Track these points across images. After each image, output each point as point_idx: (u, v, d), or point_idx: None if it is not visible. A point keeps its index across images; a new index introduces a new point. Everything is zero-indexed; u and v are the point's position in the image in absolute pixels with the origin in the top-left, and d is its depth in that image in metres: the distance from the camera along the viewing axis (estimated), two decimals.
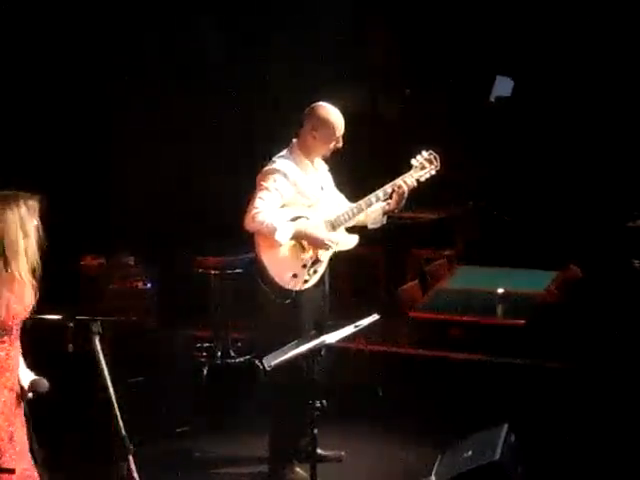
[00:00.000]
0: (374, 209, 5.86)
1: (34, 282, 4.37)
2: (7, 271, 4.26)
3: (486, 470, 5.00)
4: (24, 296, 4.32)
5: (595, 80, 8.84)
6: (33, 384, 4.42)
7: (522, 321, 7.21)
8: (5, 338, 4.28)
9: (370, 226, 5.94)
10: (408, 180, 5.81)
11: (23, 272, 4.31)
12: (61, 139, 8.41)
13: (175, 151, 8.53)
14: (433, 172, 5.90)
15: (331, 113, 5.75)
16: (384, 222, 5.94)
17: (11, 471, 4.21)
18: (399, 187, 5.78)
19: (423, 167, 5.89)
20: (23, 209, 4.36)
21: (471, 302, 7.64)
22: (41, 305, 5.04)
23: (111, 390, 4.49)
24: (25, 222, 4.35)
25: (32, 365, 6.75)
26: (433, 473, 5.35)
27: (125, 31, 8.59)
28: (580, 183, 8.80)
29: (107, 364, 4.56)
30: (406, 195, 5.80)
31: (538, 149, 9.01)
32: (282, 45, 8.77)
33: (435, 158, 5.91)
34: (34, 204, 4.41)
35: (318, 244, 5.70)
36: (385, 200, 5.83)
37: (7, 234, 4.28)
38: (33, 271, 4.37)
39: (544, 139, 8.99)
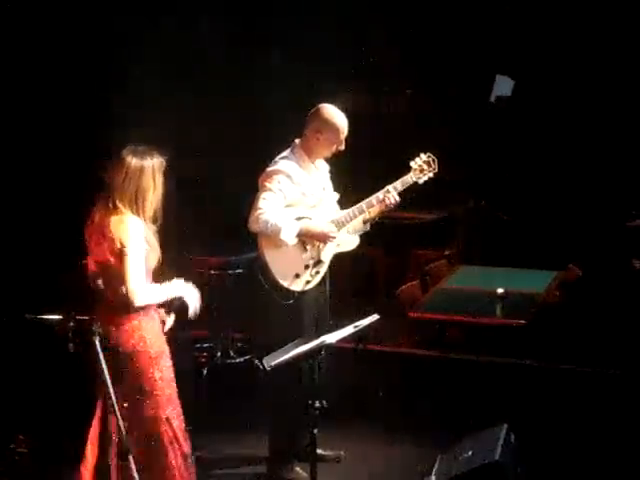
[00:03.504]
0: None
1: (155, 228, 4.82)
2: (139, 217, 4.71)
3: (486, 470, 5.00)
4: (156, 245, 4.81)
5: (595, 80, 8.84)
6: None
7: (522, 321, 7.20)
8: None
9: (352, 234, 5.94)
10: (400, 185, 5.84)
11: (147, 220, 4.74)
12: (61, 139, 8.40)
13: (175, 151, 8.51)
14: (431, 175, 5.94)
15: (336, 115, 5.76)
16: (367, 229, 5.95)
17: None
18: (386, 198, 5.79)
19: (422, 169, 5.92)
20: (157, 162, 4.79)
21: (471, 302, 7.63)
22: (41, 305, 5.06)
23: (111, 390, 4.50)
24: (156, 174, 4.77)
25: (32, 365, 6.79)
26: (433, 473, 5.36)
27: (126, 31, 8.58)
28: (580, 183, 8.80)
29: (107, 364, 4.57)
30: (392, 206, 5.82)
31: (538, 149, 9.01)
32: (282, 45, 8.77)
33: (433, 161, 5.95)
34: (163, 161, 4.82)
35: (323, 238, 5.71)
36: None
37: (141, 181, 4.71)
38: (153, 219, 4.79)
39: (544, 139, 8.98)
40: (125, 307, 4.71)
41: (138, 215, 4.73)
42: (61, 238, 7.97)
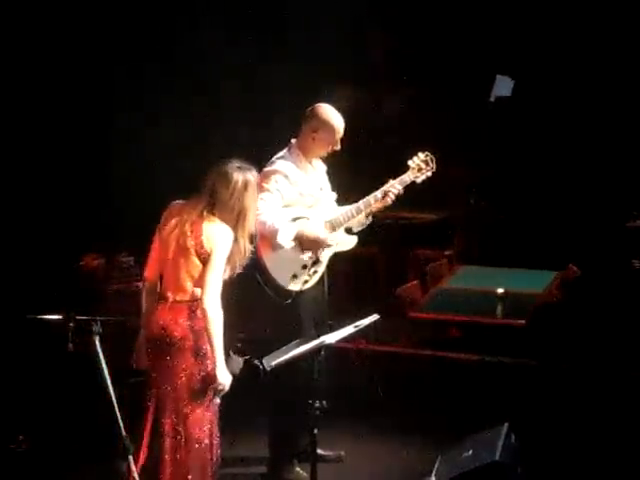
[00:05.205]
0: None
1: (251, 248, 4.94)
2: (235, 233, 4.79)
3: (486, 470, 5.00)
4: (237, 262, 4.87)
5: (595, 80, 8.83)
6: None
7: (522, 321, 7.21)
8: None
9: (355, 229, 5.94)
10: (398, 186, 5.84)
11: (243, 239, 4.83)
12: (62, 139, 8.40)
13: (176, 151, 8.52)
14: (429, 174, 5.94)
15: (332, 115, 5.75)
16: (368, 223, 5.96)
17: None
18: (388, 193, 5.79)
19: (420, 169, 5.92)
20: (257, 179, 4.91)
21: (471, 302, 7.63)
22: (41, 305, 5.06)
23: (111, 390, 4.50)
24: (255, 192, 4.90)
25: (32, 365, 6.79)
26: (433, 473, 5.35)
27: (126, 30, 8.59)
28: (580, 183, 8.80)
29: (107, 364, 4.57)
30: (392, 201, 5.83)
31: (538, 149, 9.01)
32: (282, 45, 8.77)
33: (431, 160, 5.95)
34: (258, 177, 4.95)
35: (319, 245, 5.71)
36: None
37: (245, 199, 4.81)
38: (251, 238, 4.89)
39: (544, 139, 8.98)
40: (196, 308, 4.76)
41: (235, 232, 4.80)
42: (61, 238, 7.99)
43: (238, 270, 4.93)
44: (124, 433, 4.52)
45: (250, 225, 4.86)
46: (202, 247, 4.76)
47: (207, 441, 4.83)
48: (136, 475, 4.53)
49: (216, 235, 4.77)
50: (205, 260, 4.75)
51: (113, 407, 4.53)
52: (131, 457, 4.52)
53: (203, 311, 4.73)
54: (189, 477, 4.77)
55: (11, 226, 7.82)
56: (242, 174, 4.82)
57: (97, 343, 4.51)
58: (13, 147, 8.15)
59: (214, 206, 4.81)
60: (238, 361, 4.99)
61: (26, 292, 7.21)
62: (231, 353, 4.97)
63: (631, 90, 8.73)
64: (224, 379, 4.83)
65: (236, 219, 4.81)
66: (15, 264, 7.71)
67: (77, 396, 6.43)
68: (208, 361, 4.79)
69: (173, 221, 4.87)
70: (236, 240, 4.82)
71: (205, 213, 4.80)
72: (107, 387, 4.51)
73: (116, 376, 4.71)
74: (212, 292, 4.73)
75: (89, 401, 5.91)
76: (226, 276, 4.86)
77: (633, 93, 8.71)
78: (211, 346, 4.76)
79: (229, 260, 4.82)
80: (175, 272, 4.82)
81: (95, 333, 4.53)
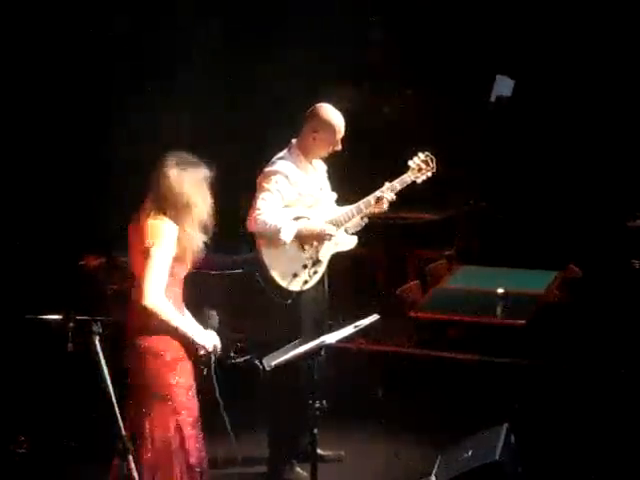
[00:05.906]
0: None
1: (204, 238, 4.80)
2: (177, 224, 4.71)
3: (486, 470, 5.00)
4: (189, 256, 4.78)
5: (595, 80, 8.84)
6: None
7: (522, 321, 7.21)
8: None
9: (351, 230, 5.94)
10: (397, 186, 5.84)
11: (190, 228, 4.73)
12: (61, 139, 8.41)
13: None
14: (429, 174, 5.94)
15: (332, 115, 5.75)
16: (363, 224, 5.95)
17: None
18: (387, 194, 5.80)
19: (420, 169, 5.93)
20: (200, 173, 4.78)
21: (471, 302, 7.63)
22: (41, 305, 5.06)
23: (111, 390, 4.50)
24: (199, 186, 4.77)
25: (32, 365, 6.80)
26: (433, 473, 5.35)
27: (125, 28, 8.60)
28: (580, 183, 8.80)
29: (107, 364, 4.57)
30: (388, 202, 5.83)
31: (538, 149, 9.01)
32: (282, 46, 8.77)
33: (431, 160, 5.95)
34: (206, 172, 4.81)
35: (320, 237, 5.71)
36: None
37: (184, 193, 4.72)
38: (205, 229, 4.79)
39: (544, 139, 8.99)
40: (143, 307, 4.70)
41: (183, 226, 4.73)
42: (61, 239, 8.00)
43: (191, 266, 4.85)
44: (124, 433, 4.52)
45: (198, 217, 4.76)
46: (144, 244, 4.70)
47: (176, 442, 4.77)
48: (136, 475, 4.53)
49: (153, 230, 4.70)
50: (146, 256, 4.70)
51: (113, 407, 4.53)
52: (131, 457, 4.52)
53: (148, 309, 4.66)
54: (154, 478, 4.73)
55: (12, 226, 7.83)
56: (178, 169, 4.74)
57: (97, 343, 4.51)
58: (14, 147, 8.16)
59: (160, 204, 4.74)
60: (214, 315, 4.95)
61: (26, 292, 7.22)
62: (205, 310, 4.93)
63: (631, 90, 8.73)
64: (206, 341, 4.80)
65: (182, 214, 4.73)
66: (15, 264, 7.72)
67: (77, 396, 6.43)
68: (169, 364, 4.75)
69: (134, 224, 4.86)
70: (186, 234, 4.75)
71: (152, 213, 4.74)
72: (107, 387, 4.51)
73: (116, 376, 4.71)
74: (152, 288, 4.64)
75: (89, 401, 5.90)
76: (182, 272, 4.81)
77: (633, 93, 8.72)
78: (175, 332, 4.71)
79: (180, 256, 4.75)
80: (135, 271, 4.81)
81: (95, 333, 4.53)
